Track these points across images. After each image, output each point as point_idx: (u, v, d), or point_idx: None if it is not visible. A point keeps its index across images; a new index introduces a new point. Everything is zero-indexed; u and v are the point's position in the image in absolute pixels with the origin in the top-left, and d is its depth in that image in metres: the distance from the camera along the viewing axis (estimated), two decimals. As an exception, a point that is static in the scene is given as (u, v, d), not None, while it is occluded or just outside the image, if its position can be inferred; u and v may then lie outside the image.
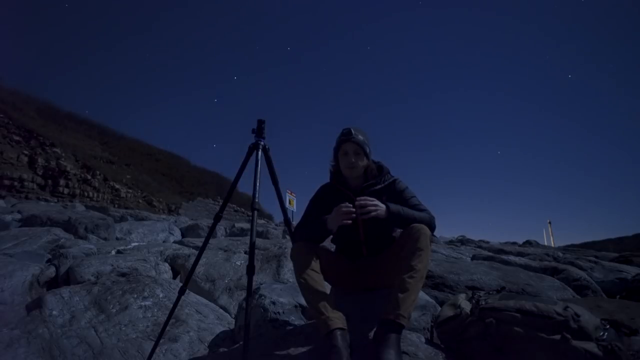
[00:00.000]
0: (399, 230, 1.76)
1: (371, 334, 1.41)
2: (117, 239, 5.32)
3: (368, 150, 1.70)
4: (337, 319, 1.35)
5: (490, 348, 1.37)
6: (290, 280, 2.92)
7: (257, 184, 1.64)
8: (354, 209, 1.50)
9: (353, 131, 1.67)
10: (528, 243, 11.08)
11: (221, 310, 2.52)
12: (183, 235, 6.62)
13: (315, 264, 1.51)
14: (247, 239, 4.70)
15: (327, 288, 1.55)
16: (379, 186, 1.70)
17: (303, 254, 1.52)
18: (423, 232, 1.46)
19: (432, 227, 1.57)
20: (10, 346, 1.83)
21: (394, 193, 1.69)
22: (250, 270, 1.49)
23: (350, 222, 1.50)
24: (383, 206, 1.52)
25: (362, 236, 1.69)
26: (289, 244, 3.37)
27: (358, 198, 1.52)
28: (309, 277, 1.47)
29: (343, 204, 1.51)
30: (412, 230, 1.49)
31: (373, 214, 1.48)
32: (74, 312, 2.13)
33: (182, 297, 1.81)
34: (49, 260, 3.38)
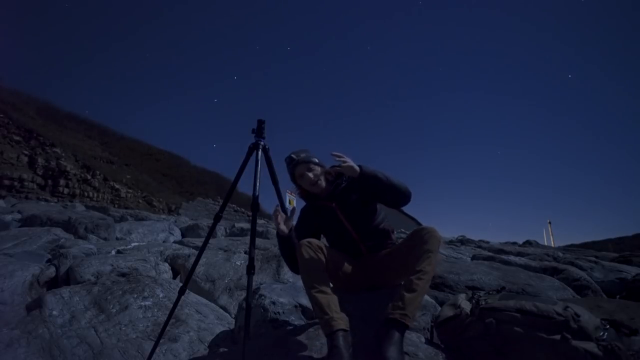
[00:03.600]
0: (387, 224, 1.76)
1: (371, 335, 1.41)
2: (117, 239, 5.32)
3: (317, 160, 1.78)
4: (341, 320, 1.35)
5: (490, 348, 1.37)
6: (290, 280, 2.92)
7: (257, 184, 1.65)
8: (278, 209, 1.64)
9: (294, 156, 1.77)
10: (528, 243, 11.09)
11: (221, 310, 2.52)
12: (183, 235, 6.62)
13: (321, 263, 1.52)
14: (247, 239, 4.70)
15: (331, 288, 1.55)
16: (344, 184, 1.76)
17: (309, 252, 1.52)
18: (433, 235, 1.47)
19: (408, 195, 1.62)
20: (10, 346, 1.83)
21: (361, 182, 1.65)
22: (250, 270, 1.49)
23: (283, 215, 1.63)
24: (356, 166, 1.56)
25: (354, 234, 1.71)
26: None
27: (333, 152, 1.58)
28: (315, 276, 1.47)
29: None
30: (422, 232, 1.50)
31: (345, 165, 1.54)
32: (74, 312, 2.13)
33: (182, 297, 1.81)
34: (49, 260, 3.38)
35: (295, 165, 1.76)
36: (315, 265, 1.49)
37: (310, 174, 1.73)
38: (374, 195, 1.67)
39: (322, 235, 1.85)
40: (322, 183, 1.75)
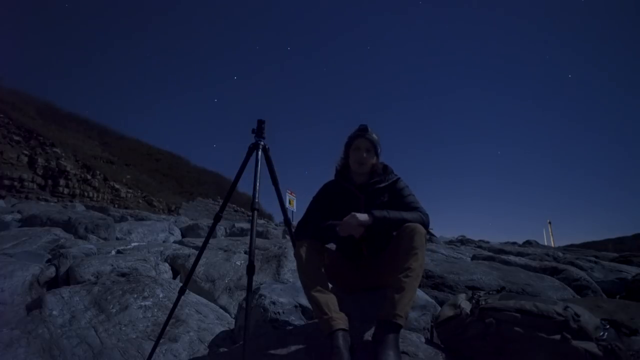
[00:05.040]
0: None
1: (371, 334, 1.41)
2: (117, 239, 5.31)
3: (379, 150, 1.74)
4: (340, 320, 1.35)
5: (490, 348, 1.37)
6: (290, 280, 2.91)
7: (257, 184, 1.64)
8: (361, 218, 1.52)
9: (369, 128, 1.72)
10: (528, 243, 11.08)
11: (221, 310, 2.52)
12: (183, 235, 6.62)
13: (320, 263, 1.51)
14: (247, 239, 4.70)
15: (330, 287, 1.55)
16: (383, 184, 1.72)
17: (308, 252, 1.52)
18: (417, 231, 1.47)
19: (424, 226, 1.57)
20: (10, 346, 1.83)
21: (394, 191, 1.70)
22: (250, 270, 1.49)
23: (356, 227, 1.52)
24: (366, 216, 1.52)
25: (364, 233, 1.69)
26: (289, 244, 3.37)
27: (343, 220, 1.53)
28: (314, 275, 1.47)
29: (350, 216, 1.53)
30: (406, 229, 1.49)
31: (347, 232, 1.51)
32: (74, 312, 2.13)
33: (182, 297, 1.81)
34: (49, 260, 3.38)
35: (361, 137, 1.72)
36: (313, 265, 1.49)
37: (365, 154, 1.70)
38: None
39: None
40: (366, 169, 1.72)
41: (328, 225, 1.59)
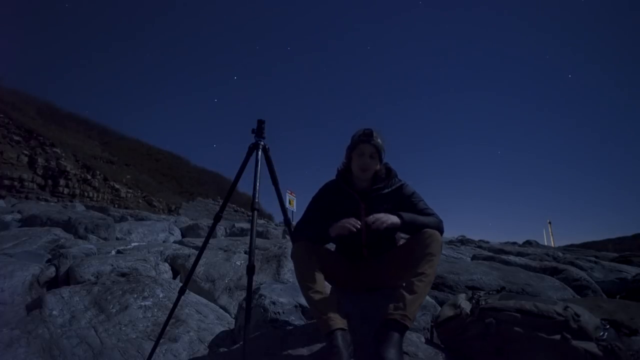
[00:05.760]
0: (400, 234, 1.76)
1: (371, 334, 1.41)
2: (117, 239, 5.31)
3: (383, 155, 1.71)
4: (339, 320, 1.35)
5: (490, 348, 1.37)
6: (290, 280, 2.91)
7: (257, 184, 1.64)
8: (359, 226, 1.50)
9: (374, 133, 1.67)
10: (528, 243, 11.07)
11: (221, 310, 2.52)
12: (183, 235, 6.62)
13: (317, 264, 1.51)
14: (247, 239, 4.69)
15: (328, 288, 1.55)
16: (387, 190, 1.69)
17: (304, 253, 1.52)
18: (435, 238, 1.46)
19: (440, 232, 1.56)
20: (10, 346, 1.83)
21: (400, 197, 1.68)
22: (250, 270, 1.49)
23: (347, 233, 1.51)
24: (396, 218, 1.50)
25: (364, 239, 1.68)
26: (289, 244, 3.37)
27: (371, 217, 1.50)
28: (310, 276, 1.47)
29: (352, 220, 1.51)
30: (424, 235, 1.48)
31: (384, 225, 1.47)
32: (74, 312, 2.13)
33: (182, 297, 1.81)
34: (49, 260, 3.38)
35: (367, 142, 1.66)
36: (310, 266, 1.49)
37: (369, 160, 1.66)
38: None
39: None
40: (369, 175, 1.69)
41: (325, 227, 1.58)
